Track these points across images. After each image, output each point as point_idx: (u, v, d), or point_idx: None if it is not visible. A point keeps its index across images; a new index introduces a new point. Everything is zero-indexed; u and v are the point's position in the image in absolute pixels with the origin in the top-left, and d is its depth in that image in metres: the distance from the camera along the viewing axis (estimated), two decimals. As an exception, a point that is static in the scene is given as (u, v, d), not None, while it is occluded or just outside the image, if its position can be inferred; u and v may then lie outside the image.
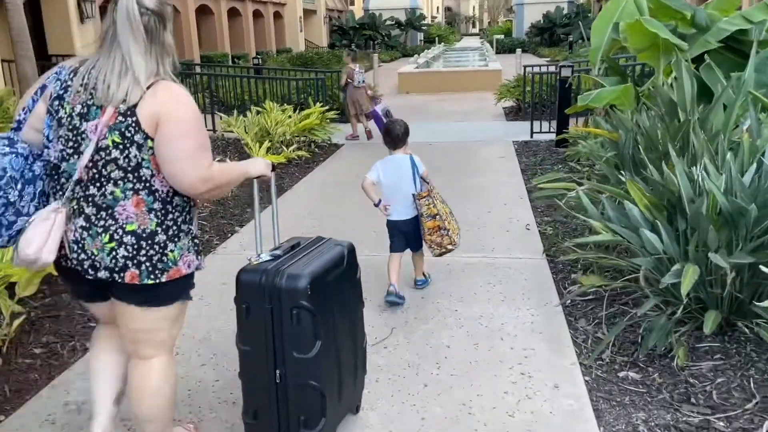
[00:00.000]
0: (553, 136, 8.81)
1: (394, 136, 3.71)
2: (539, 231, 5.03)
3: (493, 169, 7.41)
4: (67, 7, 12.27)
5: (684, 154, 3.43)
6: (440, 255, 3.75)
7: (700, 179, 3.01)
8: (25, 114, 1.94)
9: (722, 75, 4.73)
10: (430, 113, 12.63)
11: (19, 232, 1.84)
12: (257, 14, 26.72)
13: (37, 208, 1.89)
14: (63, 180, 1.90)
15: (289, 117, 8.52)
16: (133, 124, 1.82)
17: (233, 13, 24.16)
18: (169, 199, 1.93)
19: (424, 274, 3.96)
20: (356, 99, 9.66)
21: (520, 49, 16.68)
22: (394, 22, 37.86)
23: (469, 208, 5.63)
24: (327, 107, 9.47)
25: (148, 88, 1.83)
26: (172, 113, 1.83)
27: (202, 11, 21.72)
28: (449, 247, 3.70)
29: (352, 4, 51.80)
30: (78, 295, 2.21)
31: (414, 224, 3.72)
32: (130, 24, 1.81)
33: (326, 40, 35.71)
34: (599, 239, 3.08)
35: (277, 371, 2.15)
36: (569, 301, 3.61)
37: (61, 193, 1.90)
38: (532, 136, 9.20)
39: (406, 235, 3.76)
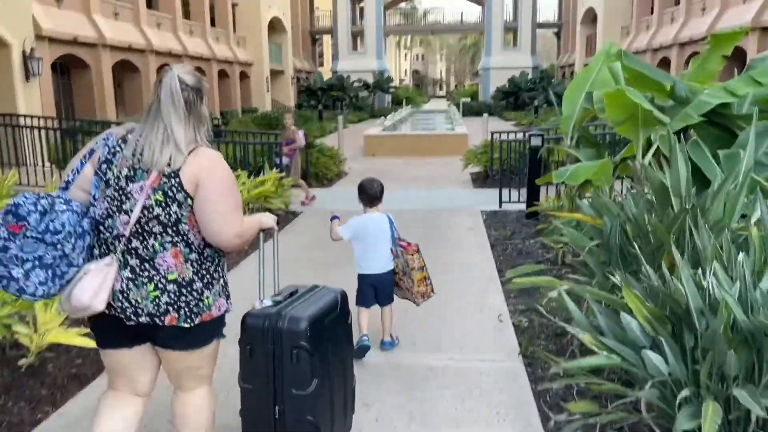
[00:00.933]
0: (522, 207, 8.37)
1: (372, 194, 3.79)
2: (513, 323, 4.43)
3: (461, 243, 6.86)
4: (11, 64, 11.63)
5: (683, 252, 2.90)
6: (421, 303, 3.90)
7: (710, 287, 2.47)
8: (73, 175, 2.14)
9: (708, 152, 4.31)
10: (396, 178, 12.17)
11: (68, 281, 2.04)
12: (222, 74, 26.51)
13: (85, 260, 2.09)
14: (106, 235, 2.12)
15: (243, 184, 7.91)
16: (176, 185, 2.05)
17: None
18: (202, 251, 2.16)
19: (392, 336, 3.93)
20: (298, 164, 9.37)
21: (486, 114, 16.52)
22: (361, 84, 38.12)
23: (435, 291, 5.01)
24: (284, 173, 8.91)
25: (189, 153, 2.07)
26: (212, 176, 2.08)
27: (127, 67, 21.26)
28: (431, 294, 3.88)
29: (321, 65, 52.46)
30: (107, 342, 2.28)
31: (388, 278, 3.82)
32: (172, 98, 2.06)
33: (294, 101, 35.66)
34: (594, 363, 2.48)
35: (277, 407, 2.35)
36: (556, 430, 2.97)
37: (105, 246, 2.13)
38: (501, 206, 8.74)
39: (377, 289, 3.81)
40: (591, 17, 32.20)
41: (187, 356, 2.22)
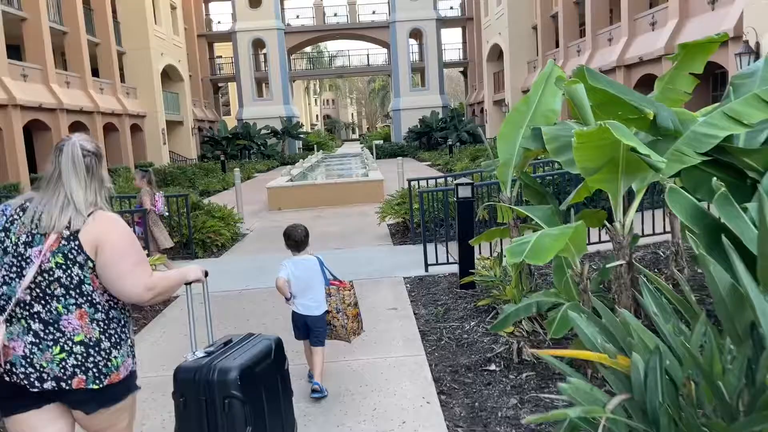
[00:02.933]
0: (453, 269, 6.89)
1: (297, 240, 3.96)
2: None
3: (381, 334, 5.17)
4: None
5: None
6: (352, 341, 4.14)
7: None
8: None
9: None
10: (303, 238, 10.44)
11: None
12: (110, 127, 24.03)
13: None
14: (2, 302, 2.12)
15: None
16: (76, 247, 2.10)
17: (78, 128, 21.34)
18: (107, 311, 2.18)
19: (319, 386, 3.85)
20: (158, 234, 7.54)
21: (401, 158, 15.19)
22: (269, 131, 36.40)
23: (349, 427, 3.34)
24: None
25: (88, 215, 2.14)
26: (111, 237, 2.13)
27: (37, 127, 18.76)
28: (360, 332, 4.18)
29: (228, 114, 50.32)
30: (12, 408, 2.18)
31: (320, 320, 3.93)
32: (74, 164, 2.15)
33: (195, 152, 33.35)
34: None
35: (213, 457, 2.37)
36: None
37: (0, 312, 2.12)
38: (427, 269, 7.18)
39: (309, 329, 3.92)
40: (497, 54, 32.18)
41: (102, 415, 2.17)
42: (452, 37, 62.09)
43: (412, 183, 8.98)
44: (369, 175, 16.28)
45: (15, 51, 20.03)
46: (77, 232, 2.08)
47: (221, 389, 2.32)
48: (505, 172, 5.02)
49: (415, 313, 5.68)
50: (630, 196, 3.77)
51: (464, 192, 6.01)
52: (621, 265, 3.67)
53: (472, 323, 5.21)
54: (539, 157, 7.31)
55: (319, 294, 3.90)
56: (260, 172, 28.45)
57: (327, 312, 3.96)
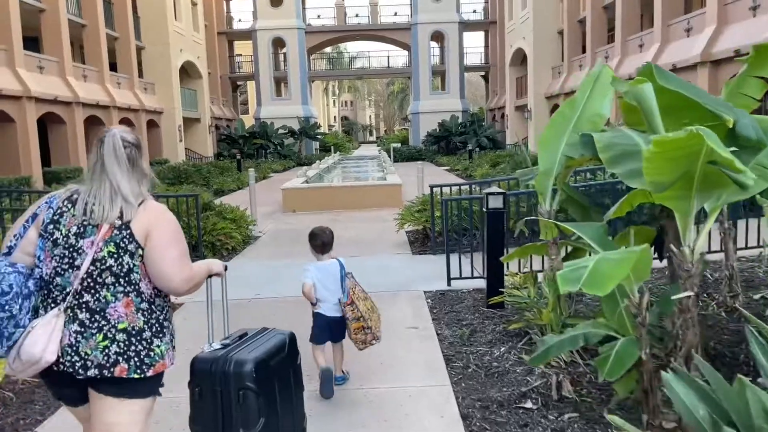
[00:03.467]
0: (477, 284, 6.39)
1: (326, 241, 4.02)
2: None
3: (400, 356, 4.67)
4: None
5: None
6: (363, 349, 4.03)
7: None
8: (16, 240, 2.22)
9: None
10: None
11: (15, 343, 2.07)
12: (126, 122, 23.77)
13: (29, 321, 2.13)
14: (56, 293, 2.17)
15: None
16: (128, 236, 2.16)
17: (93, 122, 21.09)
18: (152, 300, 2.24)
19: (343, 371, 4.11)
20: None
21: (421, 163, 14.67)
22: (287, 131, 36.07)
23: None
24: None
25: (139, 204, 2.20)
26: (160, 225, 2.20)
27: (52, 120, 18.50)
28: (372, 342, 4.02)
29: (246, 113, 50.14)
30: (62, 398, 2.35)
31: (341, 321, 3.97)
32: (116, 156, 2.20)
33: (212, 150, 33.08)
34: None
35: (226, 448, 2.39)
36: None
37: (54, 304, 2.16)
38: (449, 283, 6.66)
39: (332, 328, 3.99)
40: (520, 59, 31.57)
41: (122, 406, 2.18)
42: (474, 41, 61.59)
43: (434, 189, 8.47)
44: (387, 179, 15.80)
45: (33, 43, 19.83)
46: (129, 222, 2.14)
47: (237, 381, 2.36)
48: (544, 183, 4.49)
49: (437, 334, 5.17)
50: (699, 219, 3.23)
51: (495, 202, 5.49)
52: (689, 297, 3.14)
53: (503, 349, 4.69)
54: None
55: (337, 299, 3.96)
56: (276, 172, 28.08)
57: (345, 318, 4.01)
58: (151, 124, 26.37)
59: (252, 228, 10.67)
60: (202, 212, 9.38)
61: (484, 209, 5.62)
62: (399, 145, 39.16)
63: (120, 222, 2.14)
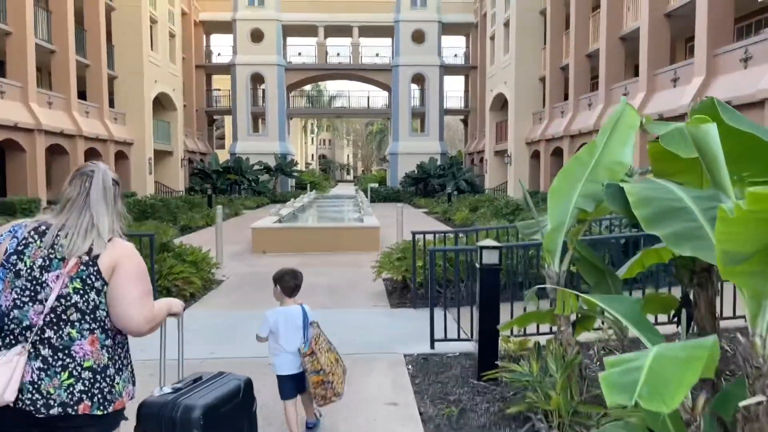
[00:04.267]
0: (465, 347, 5.63)
1: (298, 284, 3.80)
2: None
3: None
4: None
5: None
6: (323, 405, 3.84)
7: None
8: None
9: None
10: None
11: None
12: (93, 152, 22.77)
13: None
14: (13, 326, 2.10)
15: None
16: (95, 272, 2.14)
17: (56, 151, 20.10)
18: (115, 336, 2.21)
19: (315, 415, 3.97)
20: None
21: (400, 204, 13.97)
22: (262, 167, 35.28)
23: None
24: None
25: (108, 241, 2.19)
26: (126, 263, 2.18)
27: (10, 147, 17.48)
28: (333, 399, 3.79)
29: (222, 147, 49.32)
30: None
31: (301, 375, 3.75)
32: (104, 192, 2.23)
33: (183, 184, 32.07)
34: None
35: (173, 497, 2.27)
36: None
37: (11, 338, 2.10)
38: (433, 346, 5.85)
39: (296, 382, 3.77)
40: (500, 104, 31.48)
41: None
42: (454, 85, 62.13)
43: (417, 236, 7.72)
44: (364, 221, 15.04)
45: (-2, 66, 18.96)
46: (97, 257, 2.12)
47: (183, 427, 2.28)
48: (555, 239, 3.77)
49: (420, 413, 4.35)
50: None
51: (490, 257, 4.74)
52: (760, 403, 2.39)
53: (502, 437, 3.88)
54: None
55: (297, 349, 3.71)
56: (249, 209, 27.17)
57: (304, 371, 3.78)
58: (120, 156, 25.37)
59: (215, 271, 9.79)
60: (160, 253, 8.51)
61: (477, 264, 4.86)
62: (377, 185, 38.61)
63: (87, 257, 2.11)
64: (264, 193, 33.41)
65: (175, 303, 2.51)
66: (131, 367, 2.30)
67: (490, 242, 4.80)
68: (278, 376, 3.78)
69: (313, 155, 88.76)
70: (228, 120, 47.17)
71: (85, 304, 2.10)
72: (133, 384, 2.30)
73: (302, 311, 3.73)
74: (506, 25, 29.06)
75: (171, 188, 30.63)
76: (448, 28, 39.06)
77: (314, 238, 13.57)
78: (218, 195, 30.08)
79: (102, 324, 2.13)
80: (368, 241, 13.44)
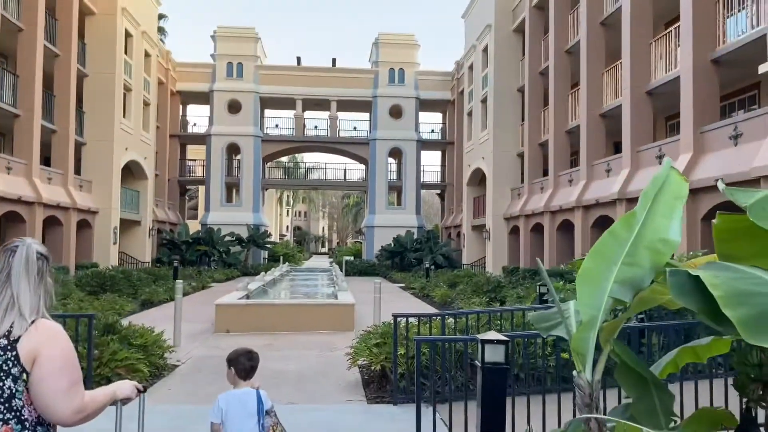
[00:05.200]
0: (461, 463, 4.60)
1: (254, 366, 3.59)
2: None
3: None
4: None
5: None
6: None
7: None
8: None
9: None
10: (248, 379, 8.02)
11: None
12: (53, 221, 21.58)
13: None
14: None
15: None
16: (13, 358, 1.94)
17: (12, 219, 18.92)
18: (34, 428, 1.99)
19: None
20: None
21: (379, 280, 13.04)
22: (234, 238, 34.21)
23: None
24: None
25: (31, 323, 1.98)
26: (50, 353, 1.96)
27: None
28: None
29: (195, 218, 48.20)
30: None
31: None
32: (27, 267, 2.04)
33: (150, 255, 30.74)
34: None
35: None
36: None
37: None
38: (420, 458, 4.83)
39: None
40: (478, 179, 31.27)
41: None
42: (431, 159, 62.57)
43: (399, 319, 6.80)
44: (338, 297, 14.03)
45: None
46: (16, 342, 1.95)
47: None
48: (585, 339, 2.89)
49: None
50: None
51: (494, 354, 3.85)
52: None
53: None
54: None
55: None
56: (218, 281, 25.93)
57: None
58: (84, 224, 24.16)
59: (169, 355, 8.66)
60: (103, 335, 7.43)
61: (477, 362, 3.96)
62: (352, 258, 37.69)
63: (6, 341, 1.94)
64: (235, 265, 32.25)
65: (122, 388, 2.28)
66: None
67: (494, 335, 3.92)
68: None
69: (287, 227, 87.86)
70: (202, 190, 46.34)
71: (0, 392, 1.91)
72: None
73: (257, 396, 3.46)
74: (483, 101, 29.24)
75: (137, 259, 29.29)
76: (425, 104, 39.44)
77: (283, 315, 12.49)
78: (187, 267, 28.83)
79: (18, 414, 1.94)
80: (342, 320, 12.43)
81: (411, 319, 7.11)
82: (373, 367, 7.29)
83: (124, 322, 12.38)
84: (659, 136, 18.11)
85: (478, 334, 4.04)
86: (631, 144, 15.93)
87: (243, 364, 3.53)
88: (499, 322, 7.00)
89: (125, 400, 2.32)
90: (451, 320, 7.14)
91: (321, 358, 9.37)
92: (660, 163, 14.54)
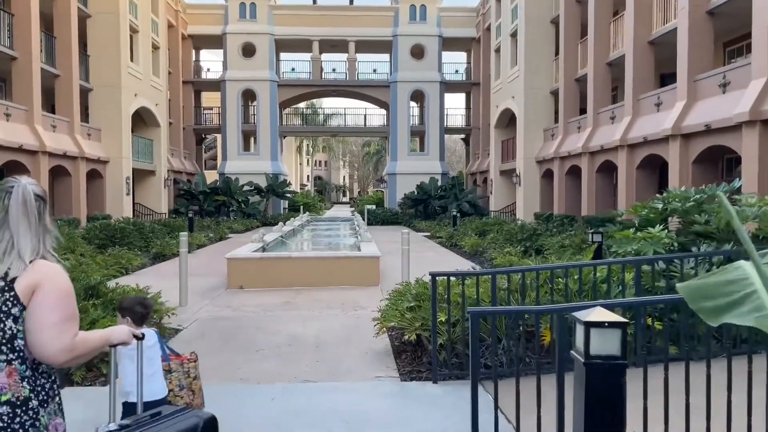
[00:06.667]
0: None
1: (146, 314, 3.64)
2: None
3: None
4: None
5: None
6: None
7: None
8: None
9: None
10: (260, 344, 6.84)
11: None
12: (61, 171, 20.53)
13: None
14: None
15: None
16: (11, 298, 1.95)
17: (15, 169, 17.86)
18: (37, 366, 2.00)
19: None
20: None
21: (407, 231, 11.72)
22: (252, 188, 33.08)
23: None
24: None
25: (29, 263, 1.98)
26: (47, 285, 1.97)
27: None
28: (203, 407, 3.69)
29: (214, 168, 47.11)
30: None
31: (163, 403, 3.41)
32: (25, 208, 2.02)
33: (166, 206, 29.78)
34: None
35: None
36: None
37: None
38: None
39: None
40: (506, 120, 29.44)
41: None
42: (455, 102, 60.23)
43: (438, 278, 5.48)
44: (362, 249, 12.80)
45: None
46: (14, 281, 1.95)
47: None
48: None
49: None
50: None
51: (605, 343, 2.53)
52: None
53: None
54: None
55: (160, 373, 3.46)
56: (236, 232, 24.92)
57: (169, 392, 3.52)
58: (94, 174, 23.11)
59: (170, 319, 7.53)
60: (85, 300, 6.28)
61: (578, 354, 2.64)
62: (374, 207, 36.47)
63: (3, 282, 1.94)
64: (254, 216, 31.22)
65: (117, 334, 2.22)
66: (59, 398, 2.08)
67: (604, 314, 2.56)
68: (127, 409, 3.35)
69: (308, 177, 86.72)
70: (220, 139, 45.10)
71: (1, 333, 1.93)
72: (62, 415, 2.09)
73: (155, 332, 3.58)
74: (513, 35, 27.13)
75: (154, 210, 28.38)
76: (448, 43, 37.21)
77: (302, 269, 11.33)
78: (205, 217, 27.87)
79: (21, 354, 1.95)
80: (367, 274, 11.25)
81: (451, 278, 5.79)
82: (407, 337, 6.03)
83: (132, 278, 11.37)
84: (717, 64, 16.20)
85: (569, 309, 2.71)
86: (688, 72, 14.08)
87: (139, 313, 3.57)
88: (560, 279, 5.65)
89: (120, 345, 2.28)
90: (504, 278, 5.82)
91: (344, 319, 8.18)
92: (723, 92, 12.79)
